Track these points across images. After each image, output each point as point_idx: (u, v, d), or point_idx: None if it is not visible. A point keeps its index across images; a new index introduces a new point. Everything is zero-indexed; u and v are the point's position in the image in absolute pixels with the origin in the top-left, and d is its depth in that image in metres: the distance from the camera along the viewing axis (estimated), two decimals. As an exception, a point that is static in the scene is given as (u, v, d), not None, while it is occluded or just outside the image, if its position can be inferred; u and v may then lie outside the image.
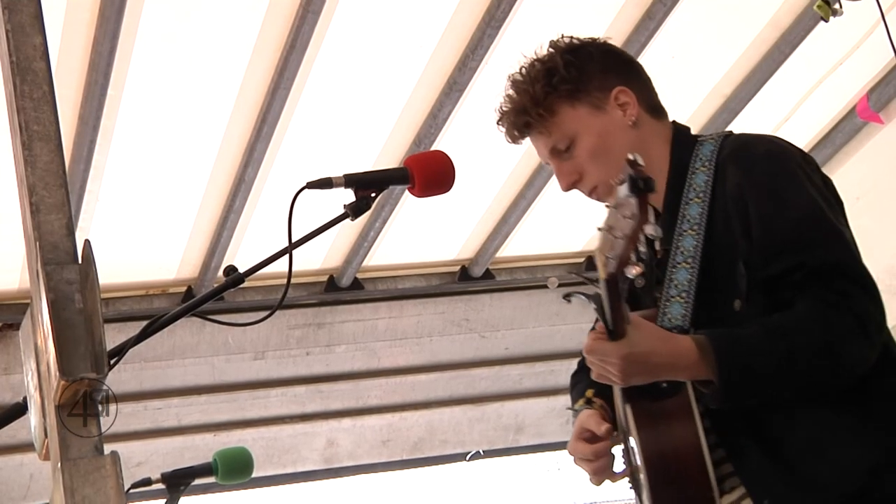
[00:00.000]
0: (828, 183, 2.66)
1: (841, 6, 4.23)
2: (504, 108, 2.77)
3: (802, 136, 5.33)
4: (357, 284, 5.53)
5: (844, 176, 5.30)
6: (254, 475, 3.72)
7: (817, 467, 2.46)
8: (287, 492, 5.92)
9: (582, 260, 5.78)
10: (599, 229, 2.21)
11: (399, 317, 5.62)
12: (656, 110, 2.79)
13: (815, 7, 4.24)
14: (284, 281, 2.60)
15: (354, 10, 4.24)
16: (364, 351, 5.69)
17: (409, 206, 5.10)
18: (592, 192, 2.76)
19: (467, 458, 6.11)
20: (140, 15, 4.03)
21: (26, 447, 4.86)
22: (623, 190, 2.13)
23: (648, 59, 4.65)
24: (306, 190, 2.61)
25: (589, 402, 2.84)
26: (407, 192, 2.80)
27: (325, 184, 2.64)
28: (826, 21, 4.30)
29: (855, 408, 2.49)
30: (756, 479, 2.51)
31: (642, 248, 2.17)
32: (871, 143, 5.18)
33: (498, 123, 2.80)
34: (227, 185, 4.84)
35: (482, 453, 6.14)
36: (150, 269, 5.22)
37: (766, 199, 2.55)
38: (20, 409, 2.53)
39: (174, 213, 4.97)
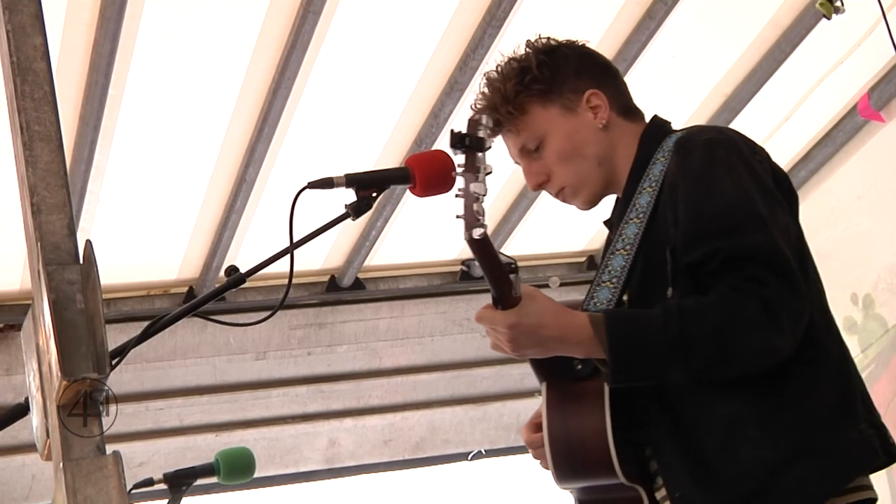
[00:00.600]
0: (779, 176, 2.62)
1: (843, 4, 4.22)
2: (477, 105, 2.77)
3: (803, 135, 5.33)
4: (358, 284, 5.54)
5: (845, 174, 5.31)
6: (256, 475, 3.71)
7: (723, 464, 2.43)
8: (289, 492, 5.92)
9: (583, 259, 5.78)
10: (456, 195, 2.30)
11: (400, 317, 5.62)
12: (630, 112, 2.79)
13: (817, 5, 4.24)
14: (286, 281, 2.60)
15: (355, 10, 4.24)
16: (365, 351, 5.69)
17: (410, 205, 5.10)
18: (559, 194, 2.77)
19: (469, 457, 6.11)
20: (141, 15, 4.03)
21: (28, 448, 4.86)
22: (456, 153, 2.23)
23: (649, 58, 4.67)
24: (307, 190, 2.61)
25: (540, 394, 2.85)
26: (408, 191, 2.80)
27: (326, 184, 2.64)
28: (828, 18, 4.29)
29: (770, 401, 2.44)
30: (670, 472, 2.49)
31: (479, 207, 2.26)
32: (872, 141, 5.18)
33: (469, 119, 2.81)
34: (228, 186, 4.84)
35: (484, 453, 6.13)
36: (151, 269, 5.22)
37: (695, 187, 2.53)
38: (22, 410, 2.53)
39: (175, 214, 4.97)
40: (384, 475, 5.97)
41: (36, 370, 2.27)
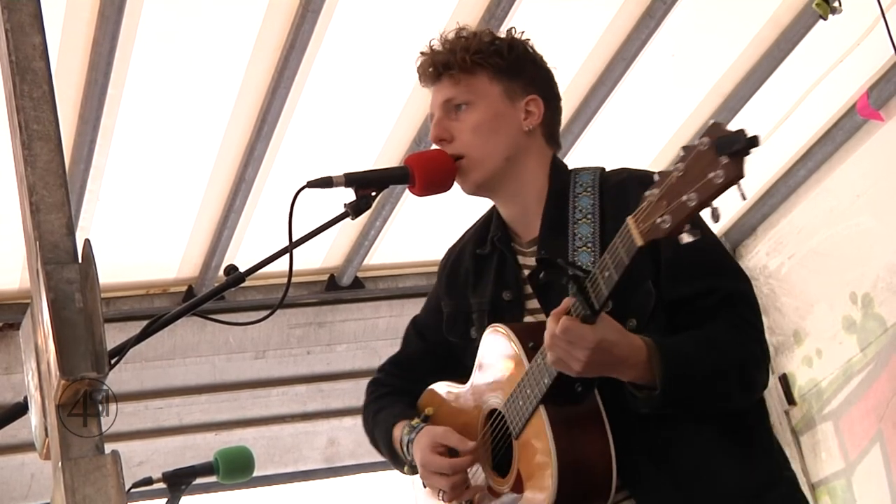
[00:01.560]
0: None
1: (840, 4, 4.22)
2: (435, 43, 2.82)
3: (802, 134, 5.33)
4: (358, 283, 5.54)
5: (845, 173, 5.31)
6: (255, 474, 3.72)
7: (704, 490, 2.53)
8: (288, 491, 5.91)
9: None
10: (650, 195, 2.14)
11: (400, 315, 5.62)
12: (553, 139, 2.85)
13: (813, 5, 4.24)
14: (285, 280, 2.61)
15: (354, 9, 4.24)
16: (365, 350, 5.68)
17: (409, 204, 5.10)
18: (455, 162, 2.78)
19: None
20: (140, 14, 4.02)
21: (27, 447, 4.85)
22: (720, 148, 2.03)
23: (648, 57, 4.67)
24: (307, 189, 2.62)
25: (426, 419, 2.87)
26: (407, 190, 2.81)
27: (325, 183, 2.64)
28: (825, 19, 4.30)
29: (742, 433, 2.60)
30: (648, 497, 2.54)
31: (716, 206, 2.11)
32: (871, 140, 5.17)
33: (422, 53, 2.84)
34: (227, 185, 4.84)
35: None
36: (150, 268, 5.22)
37: None
38: (21, 409, 2.53)
39: (175, 213, 4.97)
40: (383, 474, 5.96)
41: (35, 369, 2.27)
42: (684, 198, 2.08)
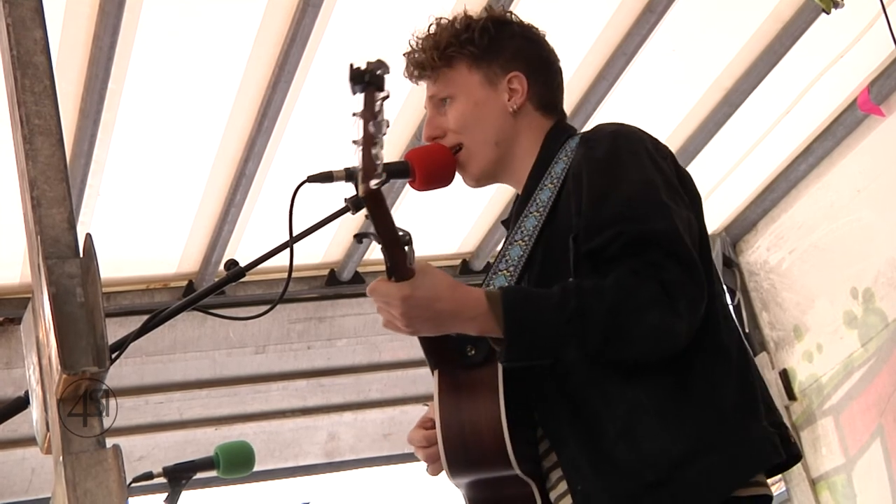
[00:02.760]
0: (683, 176, 2.61)
1: (842, -2, 4.22)
2: (412, 44, 2.79)
3: (803, 129, 5.33)
4: (358, 278, 5.54)
5: (846, 169, 5.31)
6: (255, 469, 3.72)
7: (625, 454, 2.38)
8: (288, 485, 5.91)
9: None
10: (353, 141, 2.16)
11: (400, 310, 5.62)
12: (549, 108, 2.77)
13: (816, 0, 4.24)
14: (285, 275, 2.61)
15: (354, 4, 4.24)
16: (365, 345, 5.69)
17: (409, 199, 5.10)
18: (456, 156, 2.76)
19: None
20: (140, 9, 4.02)
21: (28, 441, 4.86)
22: (354, 90, 2.08)
23: (649, 52, 4.66)
24: (307, 184, 2.61)
25: None
26: (408, 185, 2.80)
27: (325, 178, 2.64)
28: (827, 13, 4.29)
29: (671, 393, 2.41)
30: (572, 465, 2.43)
31: (378, 152, 2.11)
32: (872, 135, 5.17)
33: (404, 54, 2.81)
34: (227, 179, 4.84)
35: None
36: (151, 263, 5.22)
37: (598, 175, 2.52)
38: (22, 404, 2.53)
39: (175, 208, 4.97)
40: (384, 469, 5.97)
41: (36, 364, 2.27)
42: (357, 141, 2.13)
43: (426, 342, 2.52)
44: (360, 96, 2.15)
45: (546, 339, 2.37)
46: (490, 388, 2.41)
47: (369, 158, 2.13)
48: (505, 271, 2.55)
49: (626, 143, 2.57)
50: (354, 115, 2.12)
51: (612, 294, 2.35)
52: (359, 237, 2.47)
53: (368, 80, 2.10)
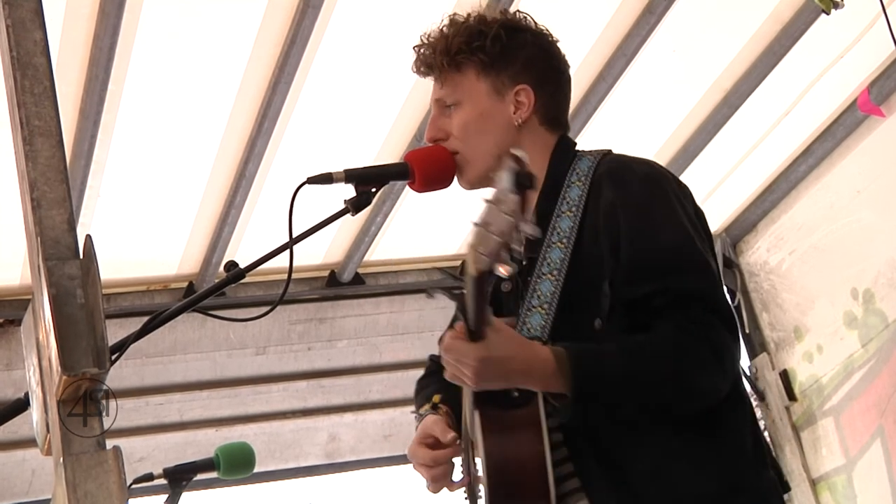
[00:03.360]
0: (699, 214, 2.67)
1: (842, -1, 4.22)
2: (424, 39, 2.78)
3: (803, 130, 5.33)
4: (358, 279, 5.54)
5: (845, 169, 5.31)
6: (255, 470, 3.72)
7: (658, 495, 2.46)
8: (289, 487, 5.92)
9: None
10: (475, 224, 2.13)
11: (400, 311, 5.62)
12: (554, 123, 2.78)
13: (816, 0, 4.24)
14: (286, 276, 2.61)
15: (355, 5, 4.24)
16: (365, 346, 5.69)
17: (410, 201, 5.10)
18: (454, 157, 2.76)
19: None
20: (140, 10, 4.02)
21: (28, 443, 4.86)
22: (503, 185, 2.06)
23: (649, 53, 4.66)
24: (307, 185, 2.62)
25: (434, 408, 2.84)
26: (408, 187, 2.80)
27: (325, 179, 2.64)
28: (827, 14, 4.29)
29: (701, 438, 2.50)
30: (602, 500, 2.49)
31: (516, 248, 2.09)
32: (872, 136, 5.17)
33: (414, 48, 2.80)
34: (227, 181, 4.84)
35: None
36: (151, 264, 5.22)
37: (638, 221, 2.54)
38: (22, 405, 2.53)
39: (175, 209, 4.97)
40: (384, 470, 5.97)
41: (36, 365, 2.27)
42: (492, 230, 2.09)
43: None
44: (508, 191, 2.07)
45: (610, 400, 2.44)
46: (534, 428, 2.46)
47: (500, 250, 2.09)
48: (539, 308, 2.56)
49: (659, 188, 2.60)
50: (489, 202, 2.07)
51: (671, 357, 2.44)
52: (430, 293, 2.54)
53: (526, 183, 2.08)
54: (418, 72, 2.81)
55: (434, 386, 2.92)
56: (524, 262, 2.62)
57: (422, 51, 2.77)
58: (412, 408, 3.01)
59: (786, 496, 2.67)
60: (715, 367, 2.46)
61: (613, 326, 2.50)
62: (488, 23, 2.75)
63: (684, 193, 2.66)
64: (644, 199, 2.57)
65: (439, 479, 2.74)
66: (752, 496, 2.51)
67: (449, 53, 2.72)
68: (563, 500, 2.49)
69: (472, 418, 2.59)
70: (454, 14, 2.78)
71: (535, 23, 2.80)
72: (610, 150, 2.78)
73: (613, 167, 2.66)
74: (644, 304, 2.47)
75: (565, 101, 2.83)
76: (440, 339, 2.55)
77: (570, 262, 2.56)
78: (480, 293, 2.26)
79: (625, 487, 2.47)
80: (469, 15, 2.77)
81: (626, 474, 2.47)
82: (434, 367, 3.05)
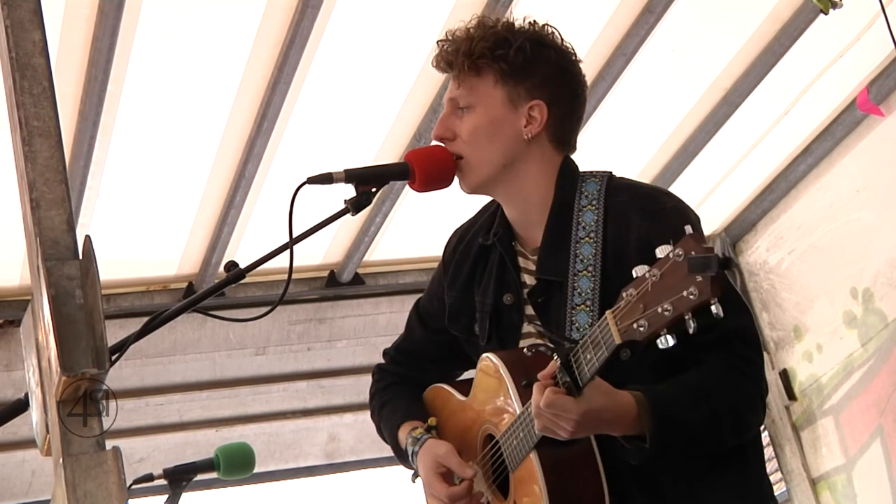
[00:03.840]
0: None
1: (840, -1, 4.22)
2: (449, 35, 2.78)
3: (802, 129, 5.32)
4: (358, 279, 5.54)
5: (845, 168, 5.31)
6: (255, 470, 3.71)
7: None
8: (289, 487, 5.92)
9: None
10: (627, 294, 2.21)
11: (400, 311, 5.61)
12: (563, 143, 2.79)
13: (814, 0, 4.24)
14: (285, 276, 2.60)
15: (354, 5, 4.24)
16: (365, 346, 5.68)
17: (409, 200, 5.10)
18: (456, 161, 2.77)
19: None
20: (139, 11, 4.02)
21: (28, 443, 4.86)
22: (692, 269, 2.09)
23: (648, 53, 4.66)
24: (307, 185, 2.61)
25: (429, 430, 2.88)
26: (408, 186, 2.80)
27: (325, 179, 2.64)
28: (826, 14, 4.29)
29: (735, 464, 2.60)
30: None
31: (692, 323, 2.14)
32: (871, 135, 5.17)
33: (438, 42, 2.80)
34: (227, 181, 4.84)
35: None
36: (150, 265, 5.22)
37: None
38: (22, 406, 2.53)
39: (175, 209, 4.97)
40: (384, 470, 5.96)
41: (35, 366, 2.27)
42: (660, 309, 2.15)
43: None
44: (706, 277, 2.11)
45: (682, 444, 2.50)
46: (590, 465, 2.53)
47: (666, 326, 2.19)
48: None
49: (690, 220, 2.58)
50: (684, 289, 2.13)
51: (730, 396, 2.52)
52: (532, 349, 2.57)
53: (728, 266, 2.12)
54: (437, 66, 2.81)
55: (402, 402, 2.98)
56: (538, 281, 2.67)
57: (445, 47, 2.77)
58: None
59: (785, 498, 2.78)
60: (760, 404, 2.59)
61: (643, 359, 2.50)
62: (515, 32, 2.76)
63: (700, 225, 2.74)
64: (680, 233, 2.59)
65: None
66: None
67: (471, 56, 2.73)
68: None
69: (516, 456, 2.60)
70: (481, 17, 2.79)
71: (562, 39, 2.81)
72: (611, 173, 2.80)
73: (640, 196, 2.70)
74: (687, 339, 2.48)
75: (577, 123, 2.84)
76: (524, 384, 2.57)
77: (600, 292, 2.60)
78: (610, 358, 2.30)
79: None
80: (498, 20, 2.79)
81: (663, 501, 2.55)
82: (394, 378, 3.07)
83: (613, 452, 2.51)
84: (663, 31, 4.60)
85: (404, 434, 2.92)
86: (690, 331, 2.13)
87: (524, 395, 2.56)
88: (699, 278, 2.08)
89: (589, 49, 4.63)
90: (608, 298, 2.55)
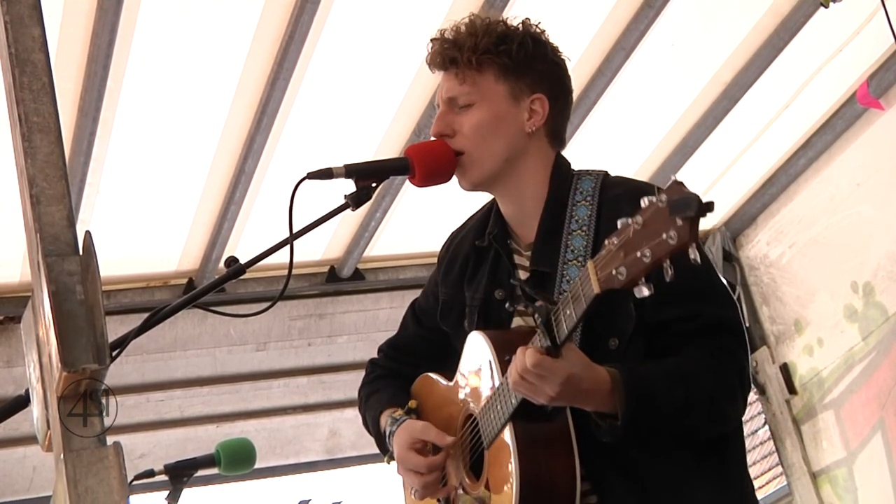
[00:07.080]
0: None
1: (841, -8, 4.22)
2: (447, 34, 2.78)
3: (802, 123, 5.33)
4: (358, 275, 5.54)
5: (845, 162, 5.31)
6: (256, 466, 3.72)
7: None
8: (290, 482, 5.92)
9: None
10: (609, 243, 2.17)
11: (400, 307, 5.56)
12: (557, 139, 2.81)
13: (814, -6, 4.24)
14: (286, 272, 2.60)
15: (353, 1, 4.23)
16: (366, 341, 5.68)
17: (409, 195, 5.10)
18: (456, 157, 2.77)
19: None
20: (139, 6, 4.02)
21: (29, 439, 4.87)
22: (672, 210, 2.06)
23: (648, 47, 4.66)
24: (307, 181, 2.61)
25: (409, 412, 2.88)
26: (408, 181, 2.80)
27: (325, 174, 2.64)
28: (826, 7, 4.29)
29: (715, 455, 2.59)
30: None
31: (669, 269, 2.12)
32: (871, 129, 5.17)
33: (432, 40, 2.80)
34: (227, 177, 4.84)
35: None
36: (151, 260, 5.22)
37: None
38: (23, 402, 2.53)
39: (175, 205, 4.97)
40: (385, 465, 5.97)
41: (36, 362, 2.27)
42: (639, 253, 2.12)
43: None
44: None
45: (654, 424, 2.49)
46: (565, 443, 2.51)
47: (646, 271, 2.14)
48: None
49: None
50: (664, 233, 2.09)
51: (708, 386, 2.52)
52: (511, 305, 2.57)
53: (709, 209, 2.07)
54: (433, 64, 2.80)
55: (387, 391, 2.98)
56: (532, 274, 2.67)
57: (444, 46, 2.76)
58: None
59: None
60: (740, 395, 2.57)
61: (631, 348, 2.55)
62: (513, 28, 2.78)
63: None
64: None
65: (430, 486, 2.78)
66: None
67: (476, 52, 2.73)
68: None
69: (496, 430, 2.59)
70: (477, 16, 2.79)
71: (549, 40, 2.84)
72: (607, 172, 2.80)
73: (621, 191, 2.69)
74: (671, 328, 2.54)
75: (568, 119, 2.87)
76: (507, 359, 2.53)
77: None
78: (590, 312, 2.28)
79: (639, 497, 2.53)
80: (499, 20, 2.80)
81: (644, 488, 2.53)
82: (382, 372, 3.07)
83: (591, 435, 2.50)
84: (663, 26, 4.59)
85: (384, 419, 2.94)
86: (667, 278, 2.09)
87: (504, 369, 2.54)
88: (679, 221, 2.05)
89: (588, 44, 4.63)
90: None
